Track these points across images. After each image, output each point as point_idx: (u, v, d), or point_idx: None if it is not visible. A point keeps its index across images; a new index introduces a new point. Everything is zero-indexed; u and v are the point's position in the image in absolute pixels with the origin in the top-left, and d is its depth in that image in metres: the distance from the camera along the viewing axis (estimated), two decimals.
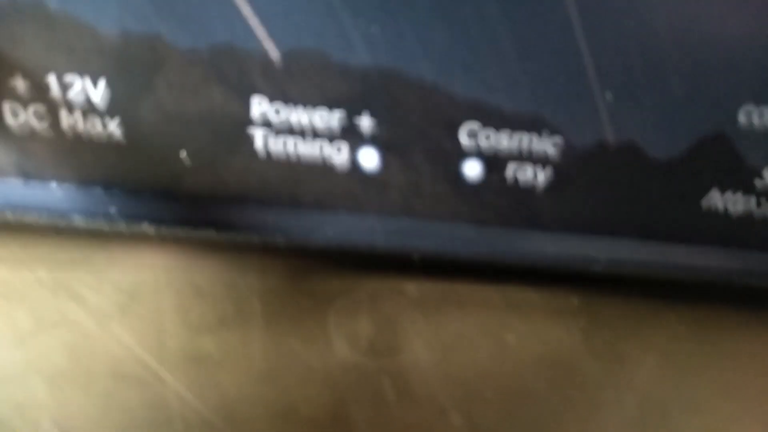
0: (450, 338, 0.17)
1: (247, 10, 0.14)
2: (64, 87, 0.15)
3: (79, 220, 0.17)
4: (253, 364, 0.16)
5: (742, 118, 0.16)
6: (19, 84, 0.15)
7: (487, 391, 0.16)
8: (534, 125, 0.16)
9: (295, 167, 0.17)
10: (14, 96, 0.15)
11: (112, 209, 0.17)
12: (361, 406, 0.15)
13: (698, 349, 0.19)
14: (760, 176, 0.17)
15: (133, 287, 0.17)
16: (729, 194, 0.18)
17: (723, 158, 0.17)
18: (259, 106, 0.15)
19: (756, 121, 0.16)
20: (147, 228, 0.17)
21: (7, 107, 0.15)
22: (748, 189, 0.17)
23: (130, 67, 0.15)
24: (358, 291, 0.18)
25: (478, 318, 0.18)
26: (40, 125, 0.16)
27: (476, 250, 0.18)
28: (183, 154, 0.16)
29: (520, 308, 0.18)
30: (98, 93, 0.15)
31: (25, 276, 0.17)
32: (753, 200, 0.18)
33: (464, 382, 0.16)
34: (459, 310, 0.18)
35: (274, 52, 0.15)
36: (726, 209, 0.18)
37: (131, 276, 0.17)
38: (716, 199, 0.18)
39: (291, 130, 0.16)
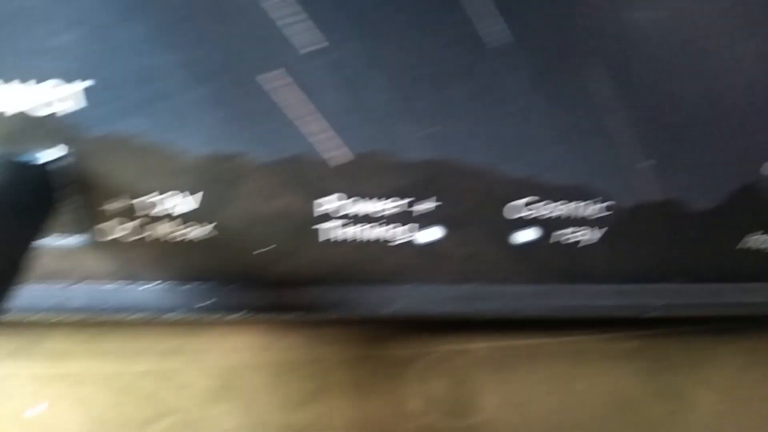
0: (521, 393, 0.18)
1: (322, 125, 0.16)
2: (164, 202, 0.17)
3: (180, 315, 0.19)
4: (347, 430, 0.17)
5: (766, 171, 0.17)
6: (125, 203, 0.17)
7: None
8: (581, 194, 0.17)
9: (365, 249, 0.18)
10: (121, 213, 0.17)
11: (208, 302, 0.19)
12: None
13: (755, 379, 0.20)
14: None
15: (227, 371, 0.19)
16: (764, 236, 0.19)
17: (753, 206, 0.18)
18: (332, 203, 0.17)
19: None
20: (240, 316, 0.19)
21: (114, 223, 0.17)
22: None
23: (218, 181, 0.17)
24: (430, 355, 0.19)
25: (545, 371, 0.19)
26: (143, 235, 0.18)
27: (535, 308, 0.19)
28: (266, 249, 0.18)
29: (583, 356, 0.20)
30: (192, 204, 0.17)
31: (132, 368, 0.19)
32: None
33: None
34: (526, 365, 0.19)
35: (345, 156, 0.16)
36: (764, 249, 0.19)
37: (225, 360, 0.19)
38: (752, 242, 0.19)
39: (360, 219, 0.18)
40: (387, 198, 0.17)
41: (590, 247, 0.19)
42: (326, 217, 0.18)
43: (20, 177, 0.15)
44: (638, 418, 0.18)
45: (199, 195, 0.17)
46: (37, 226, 0.15)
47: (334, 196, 0.17)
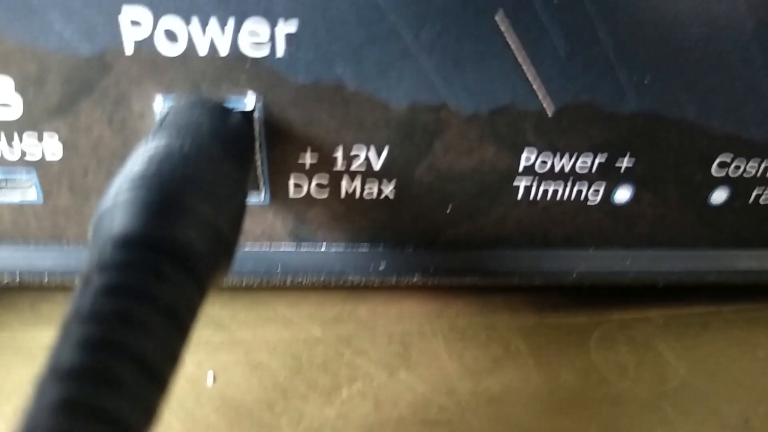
0: (708, 360, 0.18)
1: (531, 73, 0.15)
2: (349, 158, 0.16)
3: (350, 278, 0.18)
4: (540, 398, 0.17)
5: None
6: (308, 158, 0.16)
7: (755, 406, 0.17)
8: None
9: (550, 210, 0.18)
10: (301, 169, 0.16)
11: (381, 265, 0.18)
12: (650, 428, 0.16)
13: None
14: None
15: (401, 337, 0.18)
16: None
17: None
18: (528, 159, 0.16)
19: None
20: (412, 279, 0.18)
21: (292, 180, 0.17)
22: None
23: (413, 135, 0.16)
24: (607, 323, 0.19)
25: (726, 338, 0.19)
26: (320, 194, 0.17)
27: (717, 274, 0.19)
28: (449, 208, 0.17)
29: (758, 323, 0.19)
30: (379, 160, 0.16)
31: (302, 335, 0.18)
32: None
33: (733, 403, 0.17)
34: (707, 333, 0.19)
35: (549, 108, 0.16)
36: None
37: (397, 326, 0.18)
38: None
39: (553, 177, 0.17)
40: (585, 153, 0.17)
41: None
42: (520, 173, 0.17)
43: (226, 123, 0.14)
44: None
45: (391, 150, 0.16)
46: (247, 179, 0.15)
47: (529, 151, 0.16)
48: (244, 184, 0.14)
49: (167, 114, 0.14)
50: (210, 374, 0.17)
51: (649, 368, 0.17)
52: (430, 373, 0.17)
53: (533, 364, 0.17)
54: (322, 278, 0.18)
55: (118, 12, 0.14)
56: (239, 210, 0.13)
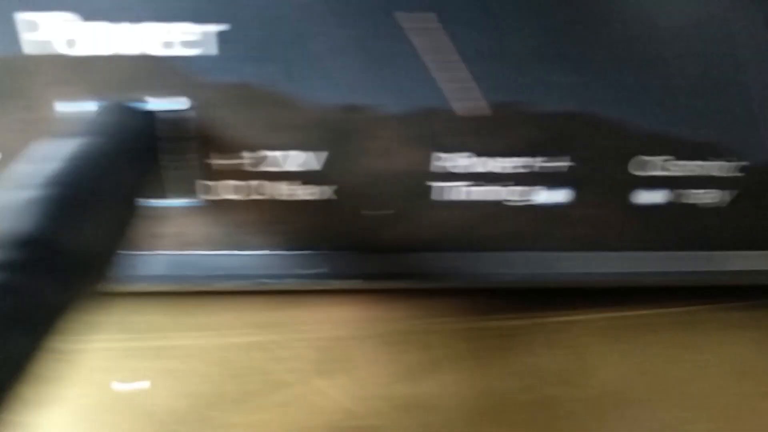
0: (642, 363, 0.18)
1: (463, 74, 0.15)
2: (285, 161, 0.16)
3: (286, 284, 0.18)
4: (462, 404, 0.16)
5: None
6: (243, 161, 0.16)
7: (691, 410, 0.17)
8: (714, 152, 0.17)
9: (484, 211, 0.17)
10: (236, 174, 0.16)
11: (315, 270, 0.18)
12: None
13: None
14: None
15: (333, 343, 0.18)
16: None
17: None
18: (459, 160, 0.16)
19: None
20: (350, 283, 0.18)
21: (229, 185, 0.16)
22: None
23: (343, 137, 0.16)
24: (543, 326, 0.19)
25: (662, 341, 0.18)
26: (258, 197, 0.16)
27: (654, 276, 0.19)
28: (375, 211, 0.17)
29: (699, 326, 0.19)
30: (311, 162, 0.16)
31: (232, 341, 0.18)
32: None
33: (669, 407, 0.17)
34: (643, 336, 0.19)
35: (481, 108, 0.15)
36: None
37: (330, 332, 0.18)
38: None
39: (486, 178, 0.17)
40: (516, 155, 0.16)
41: (717, 210, 0.18)
42: (451, 175, 0.17)
43: (132, 124, 0.14)
44: (758, 388, 0.17)
45: (319, 152, 0.16)
46: (146, 182, 0.14)
47: (462, 152, 0.16)
48: (140, 189, 0.14)
49: (75, 116, 0.14)
50: (123, 382, 0.16)
51: (580, 372, 0.17)
52: (356, 380, 0.17)
53: (463, 369, 0.17)
54: (252, 284, 0.18)
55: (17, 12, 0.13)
56: (127, 216, 0.12)
